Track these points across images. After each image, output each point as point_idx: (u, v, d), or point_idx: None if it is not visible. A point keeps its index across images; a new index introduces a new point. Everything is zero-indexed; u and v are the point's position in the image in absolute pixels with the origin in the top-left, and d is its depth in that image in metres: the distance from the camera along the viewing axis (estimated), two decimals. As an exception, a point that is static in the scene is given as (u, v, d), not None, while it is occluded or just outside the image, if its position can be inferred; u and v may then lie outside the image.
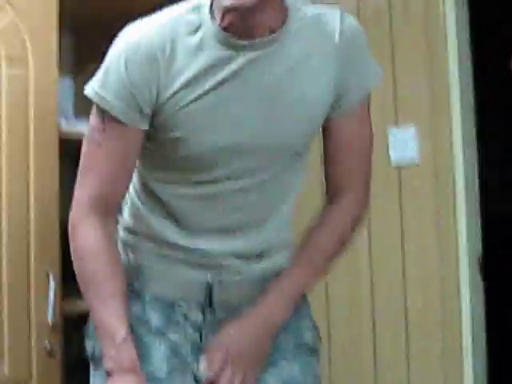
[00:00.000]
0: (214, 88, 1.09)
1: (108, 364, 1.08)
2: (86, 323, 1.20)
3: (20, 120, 1.67)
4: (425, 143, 2.04)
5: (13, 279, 1.63)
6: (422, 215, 2.04)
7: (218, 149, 1.10)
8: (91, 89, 1.10)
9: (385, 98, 2.04)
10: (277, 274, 1.17)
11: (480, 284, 2.02)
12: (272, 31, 1.11)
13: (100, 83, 1.10)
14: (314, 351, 1.23)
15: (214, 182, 1.14)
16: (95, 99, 1.11)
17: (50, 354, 1.65)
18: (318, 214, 1.24)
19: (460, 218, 1.98)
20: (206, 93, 1.10)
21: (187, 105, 1.11)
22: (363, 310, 2.10)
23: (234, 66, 1.07)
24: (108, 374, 1.09)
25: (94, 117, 1.14)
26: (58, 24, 1.75)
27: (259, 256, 1.17)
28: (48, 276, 1.68)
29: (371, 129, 1.28)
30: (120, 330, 1.09)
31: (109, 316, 1.12)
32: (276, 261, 1.18)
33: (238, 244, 1.18)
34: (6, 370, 1.60)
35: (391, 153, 2.05)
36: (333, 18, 1.19)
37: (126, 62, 1.09)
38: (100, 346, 1.13)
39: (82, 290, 1.18)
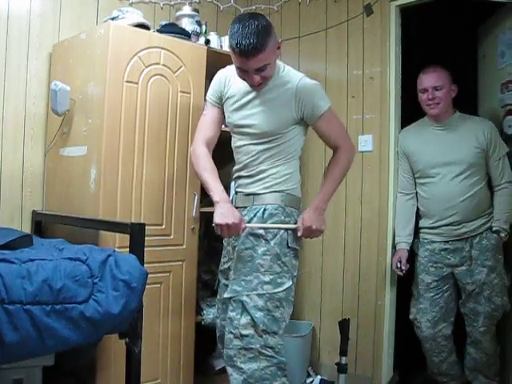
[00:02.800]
0: (241, 104, 2.12)
1: (215, 198, 2.05)
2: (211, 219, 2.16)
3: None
4: (376, 143, 3.11)
5: (179, 198, 2.73)
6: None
7: (234, 127, 2.18)
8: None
9: (358, 122, 3.15)
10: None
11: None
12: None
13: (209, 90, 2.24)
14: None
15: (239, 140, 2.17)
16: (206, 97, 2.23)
17: (193, 230, 2.75)
18: (330, 162, 2.16)
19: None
20: (236, 104, 2.13)
21: (230, 106, 2.15)
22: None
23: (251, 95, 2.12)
24: (215, 202, 2.06)
25: (205, 106, 2.24)
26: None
27: (255, 181, 2.15)
28: (195, 195, 2.77)
29: (337, 121, 2.12)
30: (219, 187, 2.08)
31: (211, 178, 2.10)
32: (260, 187, 2.15)
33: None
34: (172, 235, 2.69)
35: (359, 147, 3.13)
36: (295, 78, 2.05)
37: (215, 80, 2.22)
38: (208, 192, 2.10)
39: (196, 170, 2.16)
